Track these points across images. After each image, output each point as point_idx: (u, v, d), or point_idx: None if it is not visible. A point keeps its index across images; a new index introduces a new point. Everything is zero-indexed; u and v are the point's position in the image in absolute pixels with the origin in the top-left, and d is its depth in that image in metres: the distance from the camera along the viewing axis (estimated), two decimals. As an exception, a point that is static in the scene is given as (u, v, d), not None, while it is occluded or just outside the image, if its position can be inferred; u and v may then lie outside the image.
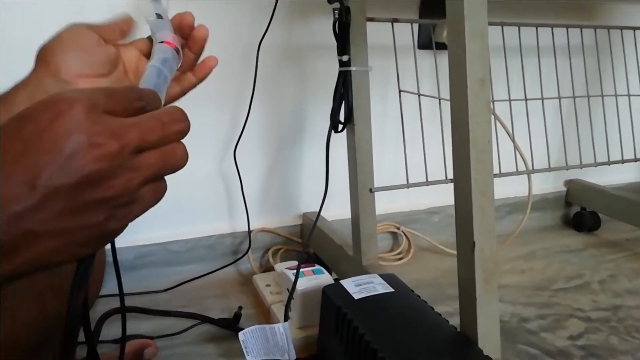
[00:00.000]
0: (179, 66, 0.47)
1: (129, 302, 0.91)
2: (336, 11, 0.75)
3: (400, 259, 1.11)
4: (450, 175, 0.90)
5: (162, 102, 0.36)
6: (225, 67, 0.94)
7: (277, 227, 1.05)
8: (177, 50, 0.46)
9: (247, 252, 0.99)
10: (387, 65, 0.97)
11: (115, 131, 0.26)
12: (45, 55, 0.43)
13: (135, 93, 0.30)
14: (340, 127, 0.80)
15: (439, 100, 0.86)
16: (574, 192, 1.31)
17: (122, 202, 0.28)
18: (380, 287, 0.63)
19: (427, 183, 0.84)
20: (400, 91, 0.85)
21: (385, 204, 1.10)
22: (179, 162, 0.31)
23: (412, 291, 0.65)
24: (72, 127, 0.25)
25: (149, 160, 0.28)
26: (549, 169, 0.99)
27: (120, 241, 0.93)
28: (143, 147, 0.28)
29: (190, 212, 0.99)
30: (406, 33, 1.05)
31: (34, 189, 0.25)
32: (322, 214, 1.07)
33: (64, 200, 0.25)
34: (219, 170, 0.99)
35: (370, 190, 0.80)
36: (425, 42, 1.06)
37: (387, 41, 0.87)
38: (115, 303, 0.89)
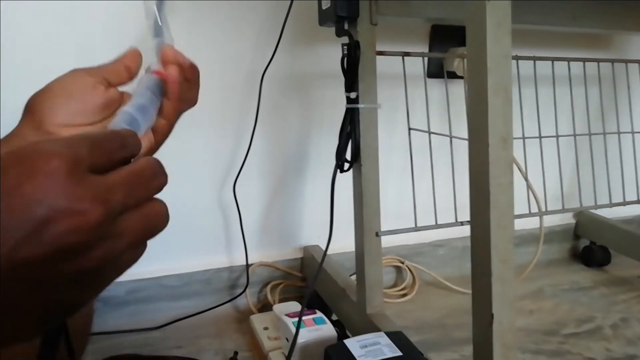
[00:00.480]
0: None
1: (121, 340, 0.87)
2: (345, 47, 0.71)
3: (405, 294, 1.07)
4: (461, 217, 0.87)
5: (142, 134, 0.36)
6: (227, 94, 0.90)
7: (276, 261, 1.00)
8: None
9: (244, 291, 0.94)
10: (394, 95, 0.94)
11: (100, 195, 0.23)
12: (31, 106, 0.39)
13: (118, 141, 0.27)
14: (346, 166, 0.76)
15: (450, 138, 0.81)
16: (584, 225, 1.27)
17: (100, 273, 0.24)
18: (388, 349, 0.59)
19: (437, 226, 0.80)
20: (410, 129, 0.81)
21: (388, 237, 1.06)
22: (162, 224, 0.28)
23: (422, 354, 0.60)
24: (48, 187, 0.21)
25: (132, 225, 0.25)
26: (563, 210, 0.95)
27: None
28: (127, 209, 0.25)
29: (186, 245, 0.94)
30: (416, 62, 1.01)
31: None
32: (322, 245, 1.04)
33: (33, 274, 0.22)
34: (217, 201, 0.94)
35: (377, 234, 0.76)
36: (435, 71, 1.02)
37: (394, 70, 0.83)
38: (105, 342, 0.85)
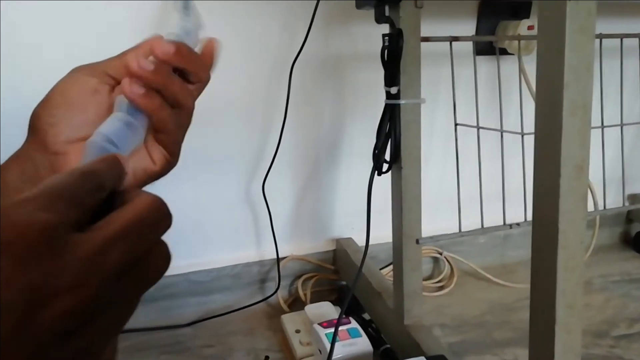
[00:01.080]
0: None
1: (150, 337, 0.86)
2: (386, 38, 0.62)
3: (442, 287, 1.01)
4: (510, 219, 0.79)
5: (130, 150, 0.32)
6: (254, 82, 0.83)
7: (307, 254, 0.96)
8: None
9: (276, 290, 0.91)
10: (432, 76, 0.85)
11: (93, 262, 0.18)
12: (33, 122, 0.35)
13: (92, 182, 0.22)
14: (385, 167, 0.69)
15: (501, 133, 0.73)
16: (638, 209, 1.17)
17: (99, 346, 0.20)
18: (431, 381, 0.54)
19: (483, 231, 0.73)
20: (456, 124, 0.73)
21: (425, 225, 1.00)
22: (164, 268, 0.23)
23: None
24: (30, 266, 0.17)
25: (133, 285, 0.21)
26: (624, 207, 0.86)
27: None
28: (126, 269, 0.20)
29: (215, 239, 0.91)
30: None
31: None
32: (355, 238, 0.99)
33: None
34: (245, 194, 0.89)
35: (417, 242, 0.70)
36: (485, 48, 0.92)
37: (429, 48, 0.73)
38: (135, 339, 0.84)
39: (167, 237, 0.24)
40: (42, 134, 0.34)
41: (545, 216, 0.43)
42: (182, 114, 0.35)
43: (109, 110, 0.34)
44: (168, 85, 0.32)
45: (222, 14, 0.77)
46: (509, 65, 0.90)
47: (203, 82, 0.36)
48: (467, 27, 0.90)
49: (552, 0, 0.39)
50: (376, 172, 0.68)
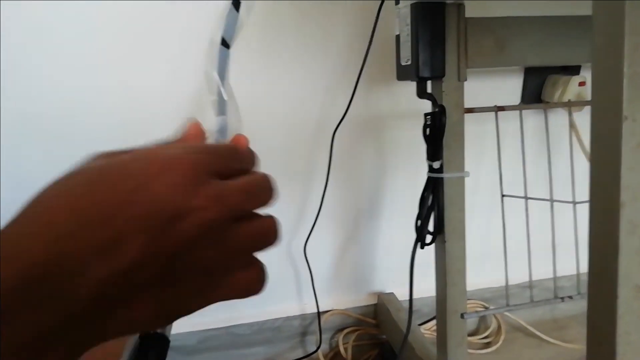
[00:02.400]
0: None
1: (193, 391, 0.87)
2: (428, 117, 0.61)
3: (489, 343, 0.98)
4: (561, 292, 0.76)
5: None
6: (296, 142, 0.83)
7: (348, 308, 0.95)
8: None
9: (317, 349, 0.90)
10: (480, 132, 0.82)
11: (219, 195, 0.24)
12: None
13: (236, 154, 0.28)
14: (428, 239, 0.67)
15: (551, 203, 0.70)
16: None
17: (212, 278, 0.25)
18: None
19: (532, 304, 0.70)
20: (502, 196, 0.70)
21: (471, 279, 0.96)
22: (272, 238, 0.28)
23: None
24: (176, 187, 0.23)
25: (245, 232, 0.26)
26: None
27: (183, 326, 0.87)
28: (241, 215, 0.25)
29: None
30: (506, 91, 0.88)
31: (125, 254, 0.21)
32: (397, 292, 0.97)
33: (158, 268, 0.22)
34: (287, 251, 0.90)
35: (462, 316, 0.67)
36: (531, 100, 0.88)
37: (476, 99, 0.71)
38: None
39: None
40: None
41: (602, 339, 0.40)
42: None
43: None
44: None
45: (267, 77, 0.78)
46: (558, 118, 0.86)
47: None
48: (514, 81, 0.87)
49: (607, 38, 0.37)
50: (419, 244, 0.67)
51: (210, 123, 0.41)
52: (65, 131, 0.74)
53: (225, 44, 0.43)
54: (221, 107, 0.42)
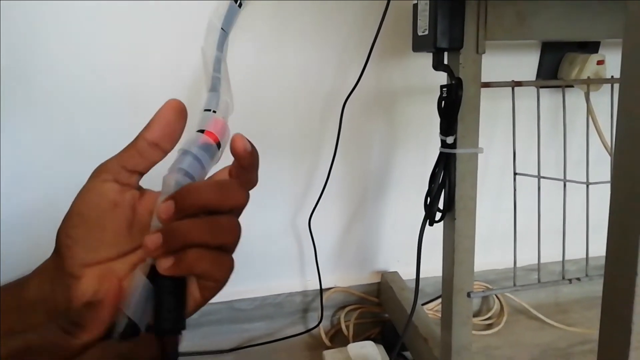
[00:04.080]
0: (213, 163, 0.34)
1: (193, 362, 0.87)
2: (444, 89, 0.59)
3: (490, 324, 0.97)
4: (567, 276, 0.75)
5: None
6: (305, 114, 0.81)
7: (351, 286, 0.94)
8: (217, 144, 0.34)
9: (318, 324, 0.90)
10: (493, 109, 0.80)
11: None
12: (56, 240, 0.32)
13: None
14: (437, 216, 0.66)
15: (564, 183, 0.68)
16: None
17: None
18: None
19: (541, 285, 0.69)
20: (515, 174, 0.69)
21: (476, 260, 0.96)
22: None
23: None
24: None
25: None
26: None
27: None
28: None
29: (259, 268, 0.91)
30: (522, 67, 0.86)
31: None
32: (400, 271, 0.96)
33: None
34: (291, 225, 0.89)
35: (469, 295, 0.66)
36: (547, 79, 0.86)
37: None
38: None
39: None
40: (60, 255, 0.31)
41: (617, 318, 0.39)
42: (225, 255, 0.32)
43: (129, 226, 0.32)
44: (194, 238, 0.29)
45: (275, 47, 0.75)
46: (572, 98, 0.84)
47: (239, 207, 0.32)
48: (530, 58, 0.85)
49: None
50: (427, 221, 0.65)
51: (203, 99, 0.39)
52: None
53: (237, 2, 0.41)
54: (214, 83, 0.40)
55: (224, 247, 0.31)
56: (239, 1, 0.40)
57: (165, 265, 0.29)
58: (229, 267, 0.31)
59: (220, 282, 0.32)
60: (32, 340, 0.28)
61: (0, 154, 0.71)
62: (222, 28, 0.39)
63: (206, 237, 0.29)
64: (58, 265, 0.31)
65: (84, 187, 0.32)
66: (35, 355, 0.28)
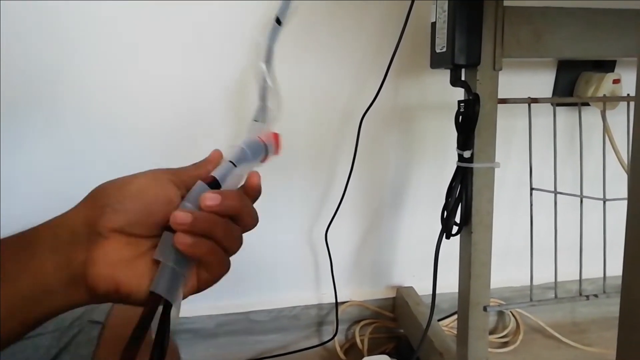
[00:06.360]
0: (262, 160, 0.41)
1: (209, 373, 0.87)
2: (462, 104, 0.60)
3: (506, 343, 0.97)
4: (586, 293, 0.74)
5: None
6: (323, 129, 0.83)
7: (366, 300, 0.95)
8: (265, 146, 0.41)
9: (333, 337, 0.90)
10: (509, 126, 0.81)
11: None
12: (96, 195, 0.34)
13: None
14: (454, 230, 0.67)
15: (581, 199, 0.69)
16: None
17: None
18: None
19: (557, 300, 0.69)
20: (531, 189, 0.70)
21: (492, 276, 0.96)
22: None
23: None
24: None
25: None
26: None
27: (202, 309, 0.87)
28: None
29: (276, 280, 0.92)
30: (538, 85, 0.87)
31: None
32: (416, 286, 0.97)
33: None
34: (308, 237, 0.90)
35: (485, 309, 0.67)
36: (564, 95, 0.87)
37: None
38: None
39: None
40: (98, 211, 0.33)
41: (634, 337, 0.40)
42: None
43: (164, 222, 0.34)
44: (215, 232, 0.34)
45: (296, 63, 0.78)
46: (588, 116, 0.85)
47: (249, 228, 0.37)
48: (547, 76, 0.86)
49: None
50: (444, 234, 0.66)
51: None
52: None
53: (278, 21, 0.44)
54: (263, 92, 0.43)
55: (229, 250, 0.35)
56: (279, 20, 0.44)
57: (185, 240, 0.33)
58: (227, 268, 0.36)
59: (216, 278, 0.36)
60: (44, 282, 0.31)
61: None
62: (268, 44, 0.43)
63: (223, 236, 0.34)
64: (89, 220, 0.33)
65: (147, 172, 0.36)
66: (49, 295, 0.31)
